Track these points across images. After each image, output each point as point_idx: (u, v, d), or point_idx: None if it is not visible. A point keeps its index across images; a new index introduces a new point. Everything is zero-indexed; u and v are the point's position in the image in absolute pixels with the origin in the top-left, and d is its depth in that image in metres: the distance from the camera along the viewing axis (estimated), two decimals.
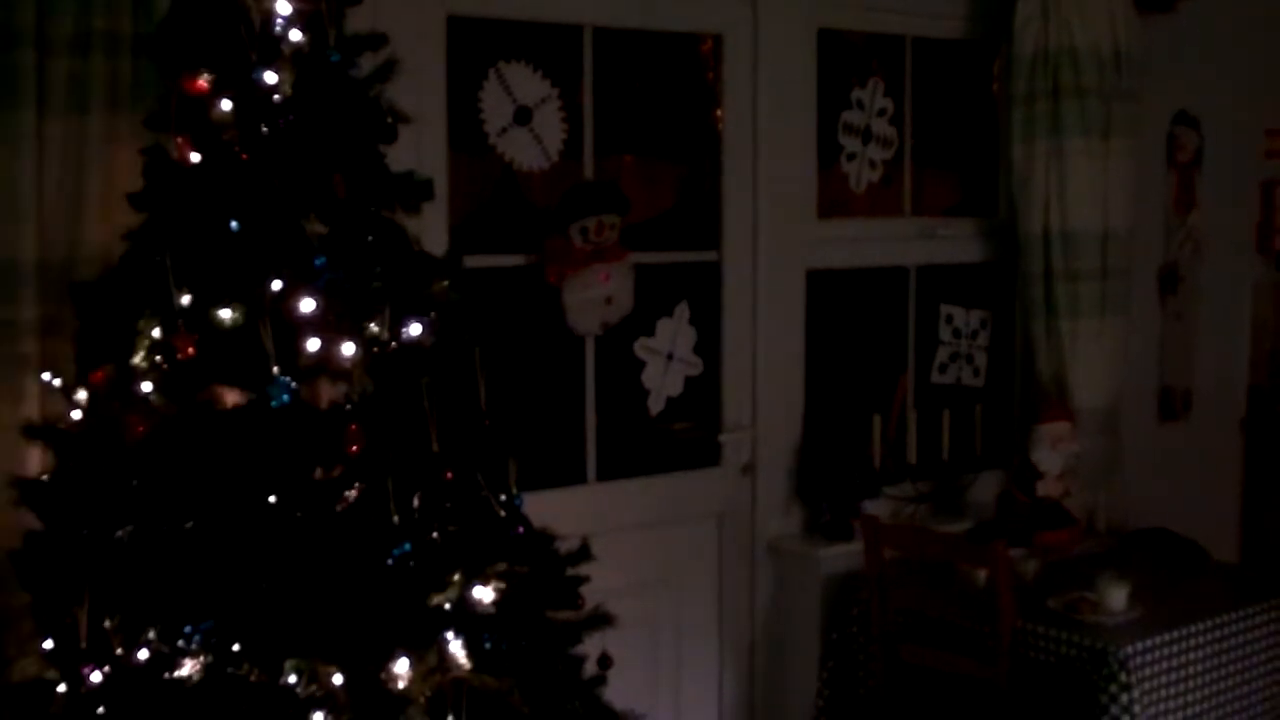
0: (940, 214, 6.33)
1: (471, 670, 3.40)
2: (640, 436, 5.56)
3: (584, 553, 3.78)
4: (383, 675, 3.30)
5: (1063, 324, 5.98)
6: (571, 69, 5.19)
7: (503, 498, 3.59)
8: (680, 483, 5.58)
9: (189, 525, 3.32)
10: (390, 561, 3.33)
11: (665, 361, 5.47)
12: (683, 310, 5.50)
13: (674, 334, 5.49)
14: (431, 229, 4.44)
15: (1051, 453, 5.79)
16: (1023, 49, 5.91)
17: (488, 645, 3.45)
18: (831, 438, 5.70)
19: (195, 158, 3.48)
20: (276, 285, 3.36)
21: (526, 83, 5.08)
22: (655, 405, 5.50)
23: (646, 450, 5.60)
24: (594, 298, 5.11)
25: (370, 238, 3.55)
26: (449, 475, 3.46)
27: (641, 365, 5.44)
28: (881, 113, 5.99)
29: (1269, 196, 7.22)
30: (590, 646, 3.84)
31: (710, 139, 5.57)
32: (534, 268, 5.09)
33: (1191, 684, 4.85)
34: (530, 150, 5.11)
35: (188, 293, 3.37)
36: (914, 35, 6.05)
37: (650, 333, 5.44)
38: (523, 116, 5.07)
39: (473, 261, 4.54)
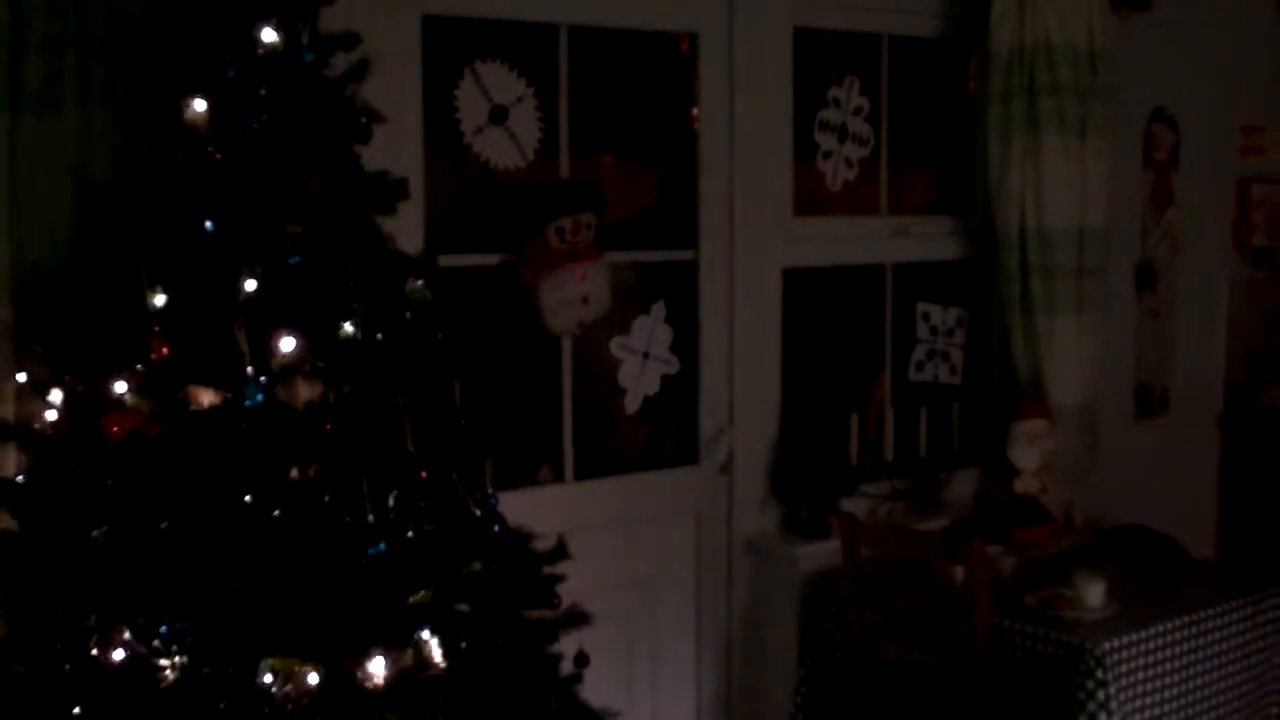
0: (917, 212, 6.34)
1: (448, 669, 3.39)
2: (617, 435, 5.57)
3: (560, 551, 3.78)
4: (359, 674, 3.29)
5: (1039, 321, 5.99)
6: (547, 68, 5.19)
7: (478, 497, 3.59)
8: (657, 481, 5.59)
9: (164, 525, 3.32)
10: (365, 561, 3.33)
11: (642, 360, 5.48)
12: (659, 309, 5.51)
13: (650, 332, 5.49)
14: (408, 228, 4.44)
15: (1029, 450, 5.80)
16: (999, 47, 5.92)
17: (464, 644, 3.45)
18: (808, 435, 5.71)
19: (169, 158, 3.48)
20: (251, 285, 3.35)
21: (502, 82, 5.08)
22: (632, 404, 5.50)
23: (624, 449, 5.61)
24: (570, 297, 5.10)
25: (345, 237, 3.54)
26: (424, 475, 3.47)
27: (618, 364, 5.45)
28: (858, 111, 6.00)
29: (1245, 194, 7.23)
30: (567, 645, 3.85)
31: (687, 138, 5.57)
32: (510, 267, 5.09)
33: (1168, 680, 4.86)
34: (506, 149, 5.11)
35: (162, 293, 3.37)
36: (890, 33, 6.05)
37: (626, 331, 5.45)
38: (498, 115, 5.07)
39: (449, 260, 4.56)
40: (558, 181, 5.22)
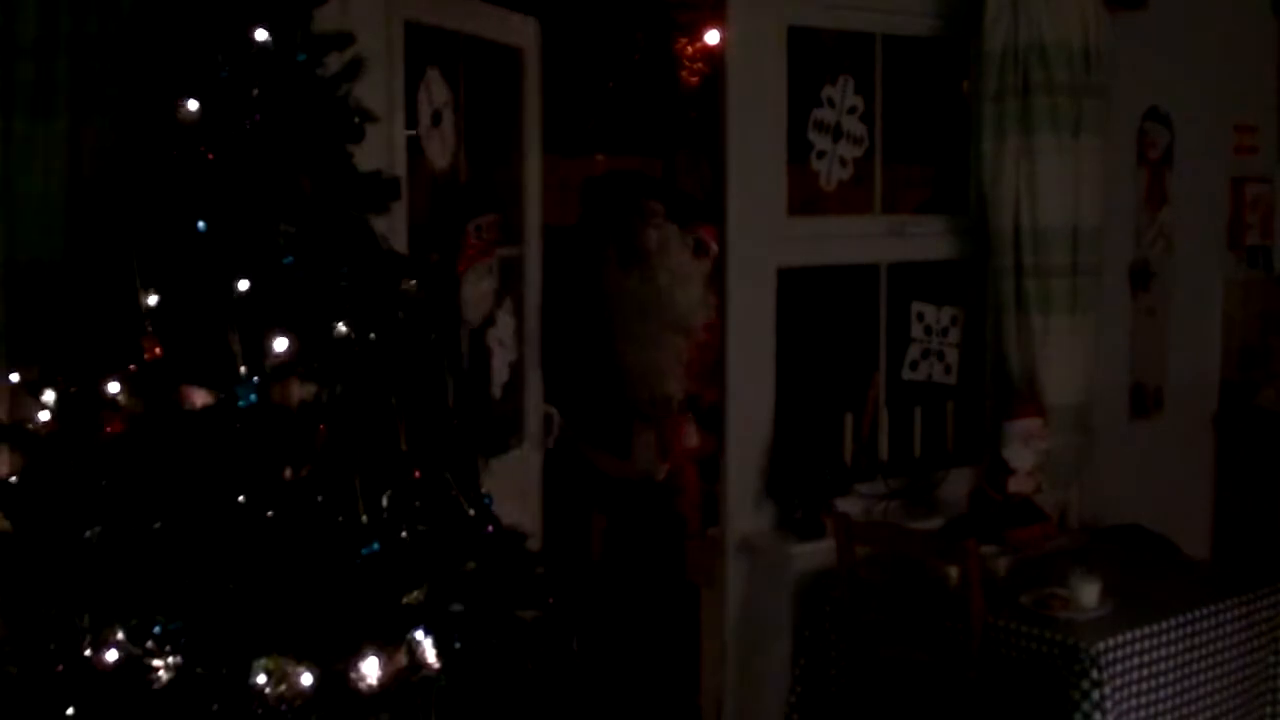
0: (911, 211, 6.34)
1: (441, 669, 3.39)
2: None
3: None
4: (352, 675, 3.29)
5: (1034, 321, 5.98)
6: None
7: (471, 496, 3.59)
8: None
9: (158, 525, 3.32)
10: (359, 561, 3.33)
11: (502, 349, 5.65)
12: (508, 302, 5.65)
13: (508, 323, 5.67)
14: (391, 228, 4.43)
15: (1023, 449, 5.79)
16: (992, 46, 5.91)
17: (457, 644, 3.45)
18: (803, 435, 5.71)
19: (162, 158, 3.48)
20: (244, 285, 3.35)
21: (439, 87, 5.19)
22: (497, 391, 5.63)
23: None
24: (486, 290, 5.33)
25: (338, 237, 3.54)
26: (417, 474, 3.47)
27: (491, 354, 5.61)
28: (852, 110, 5.98)
29: (1239, 193, 7.24)
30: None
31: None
32: (449, 262, 5.26)
33: (1163, 680, 4.86)
34: (441, 151, 5.25)
35: (155, 293, 3.37)
36: (884, 32, 6.04)
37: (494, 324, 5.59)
38: (437, 119, 5.20)
39: None
40: (472, 182, 5.42)
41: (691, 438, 6.64)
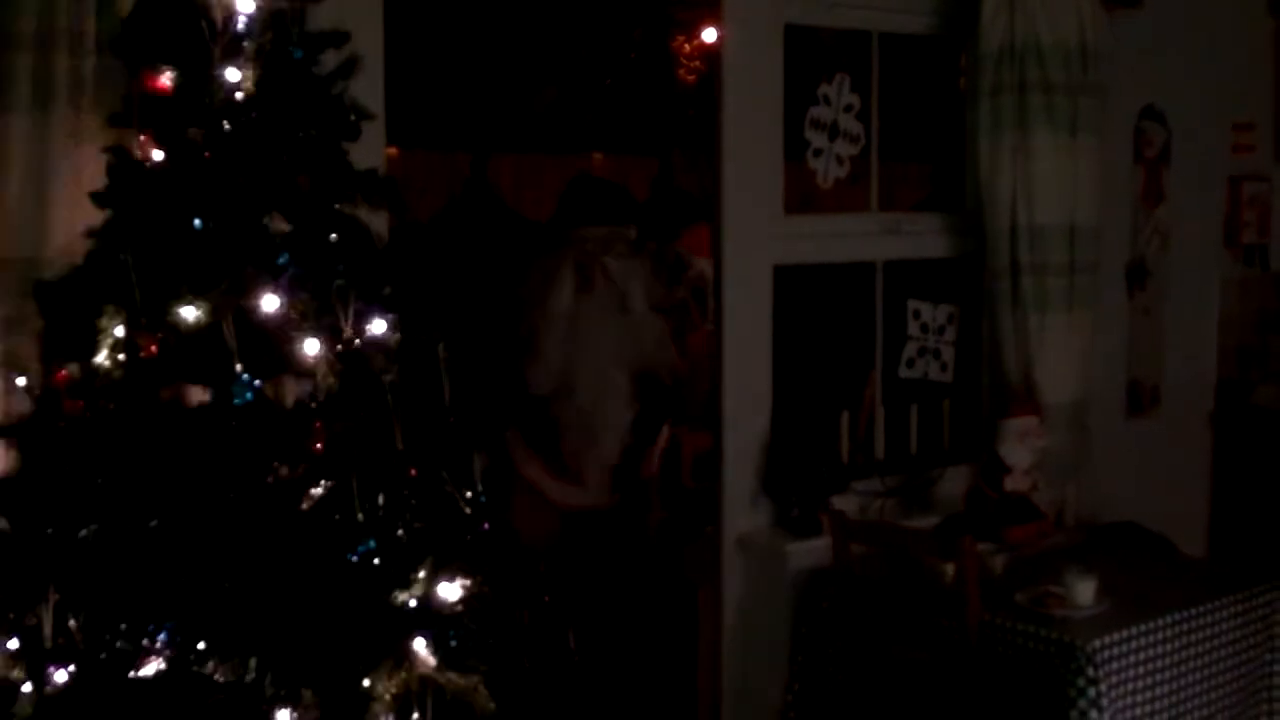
0: (907, 209, 6.34)
1: (437, 668, 3.39)
2: None
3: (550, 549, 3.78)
4: None
5: (1030, 319, 5.98)
6: None
7: (468, 494, 3.59)
8: None
9: (153, 524, 3.31)
10: (354, 559, 3.32)
11: None
12: None
13: None
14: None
15: (1019, 447, 5.78)
16: (989, 44, 5.91)
17: (454, 643, 3.45)
18: (800, 433, 5.70)
19: (158, 156, 3.47)
20: (240, 283, 3.35)
21: None
22: None
23: None
24: None
25: (333, 235, 3.54)
26: (413, 472, 3.47)
27: None
28: (848, 108, 5.98)
29: (1236, 191, 7.24)
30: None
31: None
32: None
33: (1159, 677, 4.86)
34: None
35: (151, 291, 3.36)
36: (880, 30, 6.04)
37: None
38: None
39: None
40: None
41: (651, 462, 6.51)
